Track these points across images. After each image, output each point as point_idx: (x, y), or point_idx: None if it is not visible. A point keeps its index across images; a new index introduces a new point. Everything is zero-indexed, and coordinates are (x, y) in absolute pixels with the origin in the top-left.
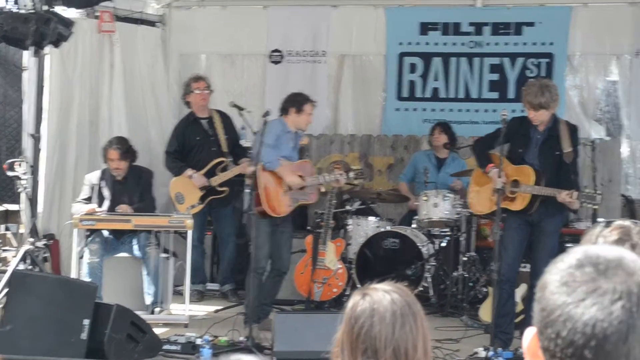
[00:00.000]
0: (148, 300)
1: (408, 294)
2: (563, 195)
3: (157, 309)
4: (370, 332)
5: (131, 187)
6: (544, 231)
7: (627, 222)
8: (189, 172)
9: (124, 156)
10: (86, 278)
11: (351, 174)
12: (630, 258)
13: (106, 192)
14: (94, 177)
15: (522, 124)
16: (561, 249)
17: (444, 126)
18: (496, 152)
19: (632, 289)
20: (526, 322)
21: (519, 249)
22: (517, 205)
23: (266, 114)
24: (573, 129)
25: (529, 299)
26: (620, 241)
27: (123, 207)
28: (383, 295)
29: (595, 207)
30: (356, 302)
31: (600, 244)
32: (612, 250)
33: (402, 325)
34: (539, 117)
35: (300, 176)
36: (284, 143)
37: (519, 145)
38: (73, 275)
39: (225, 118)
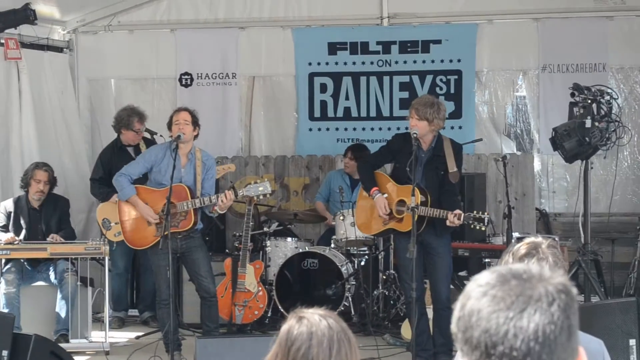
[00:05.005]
0: (59, 319)
1: (341, 320)
2: (451, 217)
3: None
4: (307, 356)
5: (48, 215)
6: (437, 253)
7: (538, 238)
8: (116, 197)
9: (51, 180)
10: (3, 309)
11: (241, 191)
12: (537, 268)
13: (22, 220)
14: (8, 204)
15: (406, 141)
16: (480, 264)
17: (355, 151)
18: (381, 171)
19: (558, 289)
20: None
21: (418, 267)
22: (405, 226)
23: (177, 137)
24: (458, 149)
25: (434, 320)
26: (528, 255)
27: (55, 237)
28: (319, 319)
29: (483, 228)
30: (292, 325)
31: (510, 257)
32: (521, 265)
33: (339, 351)
34: (419, 127)
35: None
36: (166, 165)
37: (404, 163)
38: None
39: (150, 144)
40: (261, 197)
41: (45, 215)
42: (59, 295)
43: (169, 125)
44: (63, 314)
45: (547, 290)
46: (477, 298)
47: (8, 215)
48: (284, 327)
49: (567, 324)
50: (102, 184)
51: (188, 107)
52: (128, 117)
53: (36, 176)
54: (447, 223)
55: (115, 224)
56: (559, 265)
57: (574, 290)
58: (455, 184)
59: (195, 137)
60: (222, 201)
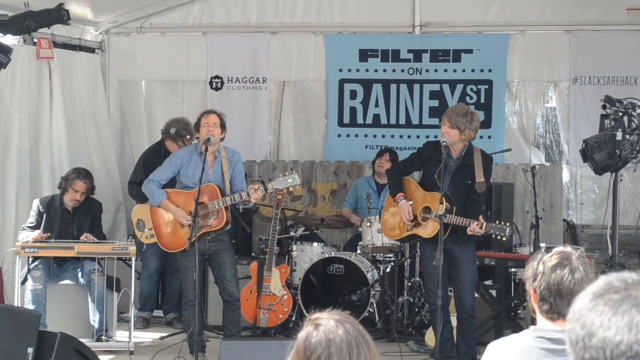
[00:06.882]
0: (94, 327)
1: (357, 323)
2: (473, 226)
3: (102, 337)
4: None
5: (80, 218)
6: (461, 262)
7: (567, 248)
8: None
9: (89, 191)
10: (30, 305)
11: (271, 185)
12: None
13: (54, 221)
14: (42, 203)
15: (436, 149)
16: (506, 274)
17: (393, 154)
18: (409, 178)
19: None
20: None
21: (443, 275)
22: (429, 232)
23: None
24: (487, 160)
25: (459, 329)
26: (560, 265)
27: (89, 236)
28: (336, 325)
29: (504, 238)
30: (310, 332)
31: (541, 267)
32: (633, 274)
33: (358, 356)
34: (450, 135)
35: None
36: (193, 168)
37: (433, 171)
38: (16, 303)
39: None
40: (291, 189)
41: (78, 219)
42: (89, 299)
43: (197, 127)
44: (97, 319)
45: None
46: (581, 299)
47: (40, 214)
48: (301, 335)
49: None
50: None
51: (216, 110)
52: (182, 131)
53: (75, 186)
54: (468, 232)
55: (149, 229)
56: (590, 277)
57: None
58: (481, 194)
59: (222, 140)
60: (252, 197)
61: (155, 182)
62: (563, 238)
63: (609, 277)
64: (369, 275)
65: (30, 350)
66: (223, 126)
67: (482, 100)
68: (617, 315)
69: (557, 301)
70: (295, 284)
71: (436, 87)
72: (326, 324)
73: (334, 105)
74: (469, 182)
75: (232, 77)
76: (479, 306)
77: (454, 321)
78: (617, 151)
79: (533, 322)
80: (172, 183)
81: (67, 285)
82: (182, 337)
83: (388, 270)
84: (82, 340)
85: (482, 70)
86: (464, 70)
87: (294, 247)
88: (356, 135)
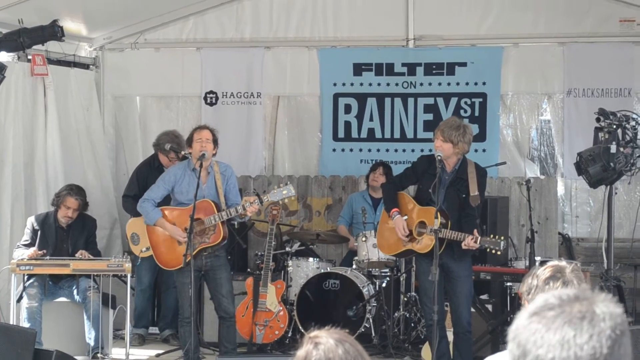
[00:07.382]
0: (89, 345)
1: (356, 342)
2: (467, 240)
3: (98, 355)
4: None
5: (75, 235)
6: (458, 277)
7: (562, 262)
8: None
9: (82, 207)
10: (25, 323)
11: (266, 197)
12: (587, 293)
13: (49, 239)
14: (37, 220)
15: (431, 163)
16: (501, 288)
17: (386, 168)
18: (404, 192)
19: (595, 310)
20: None
21: (439, 290)
22: (423, 248)
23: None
24: (482, 173)
25: (455, 344)
26: (553, 278)
27: (84, 253)
28: (336, 344)
29: (498, 252)
30: (309, 351)
31: (535, 280)
32: (571, 290)
33: None
34: (443, 149)
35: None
36: (187, 185)
37: (427, 185)
38: (12, 321)
39: None
40: (286, 200)
41: (73, 235)
42: (85, 317)
43: (189, 142)
44: (93, 336)
45: (580, 309)
46: (519, 318)
47: (35, 232)
48: (300, 354)
49: (599, 343)
50: (136, 201)
51: (208, 126)
52: (175, 146)
53: (66, 202)
54: (463, 246)
55: (147, 249)
56: None
57: (614, 313)
58: (475, 208)
59: (214, 155)
60: (248, 211)
61: (150, 201)
62: (558, 251)
63: (546, 295)
64: (364, 291)
65: None
66: (215, 142)
67: (477, 114)
68: (550, 332)
69: None
70: (291, 299)
71: (430, 100)
72: (325, 343)
73: (329, 119)
74: (463, 195)
75: (226, 92)
76: (475, 321)
77: (450, 336)
78: (612, 164)
79: None
80: (167, 201)
81: (62, 302)
82: (178, 354)
83: (384, 285)
84: (78, 358)
85: (476, 83)
86: (458, 84)
87: (290, 263)
88: (351, 150)
